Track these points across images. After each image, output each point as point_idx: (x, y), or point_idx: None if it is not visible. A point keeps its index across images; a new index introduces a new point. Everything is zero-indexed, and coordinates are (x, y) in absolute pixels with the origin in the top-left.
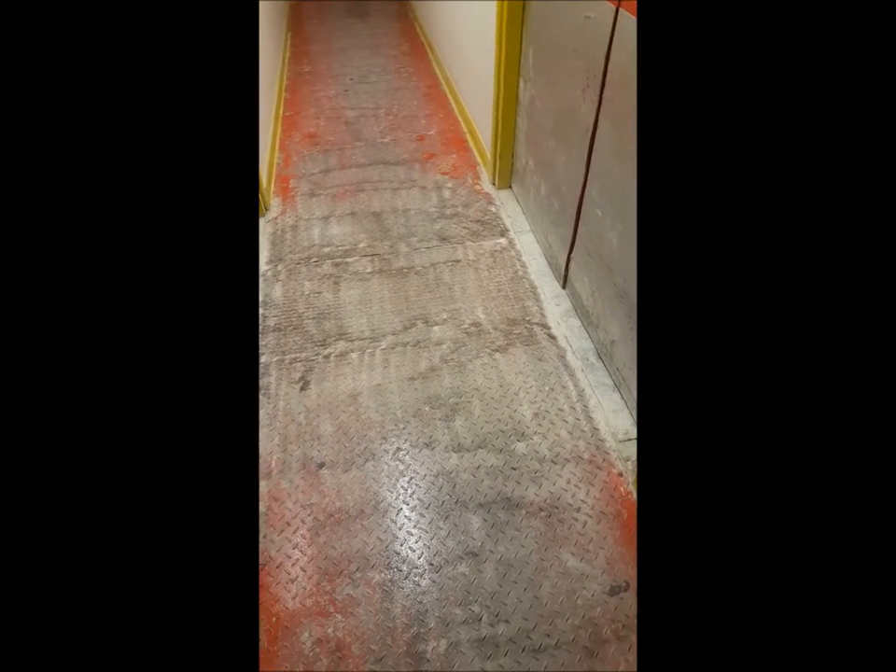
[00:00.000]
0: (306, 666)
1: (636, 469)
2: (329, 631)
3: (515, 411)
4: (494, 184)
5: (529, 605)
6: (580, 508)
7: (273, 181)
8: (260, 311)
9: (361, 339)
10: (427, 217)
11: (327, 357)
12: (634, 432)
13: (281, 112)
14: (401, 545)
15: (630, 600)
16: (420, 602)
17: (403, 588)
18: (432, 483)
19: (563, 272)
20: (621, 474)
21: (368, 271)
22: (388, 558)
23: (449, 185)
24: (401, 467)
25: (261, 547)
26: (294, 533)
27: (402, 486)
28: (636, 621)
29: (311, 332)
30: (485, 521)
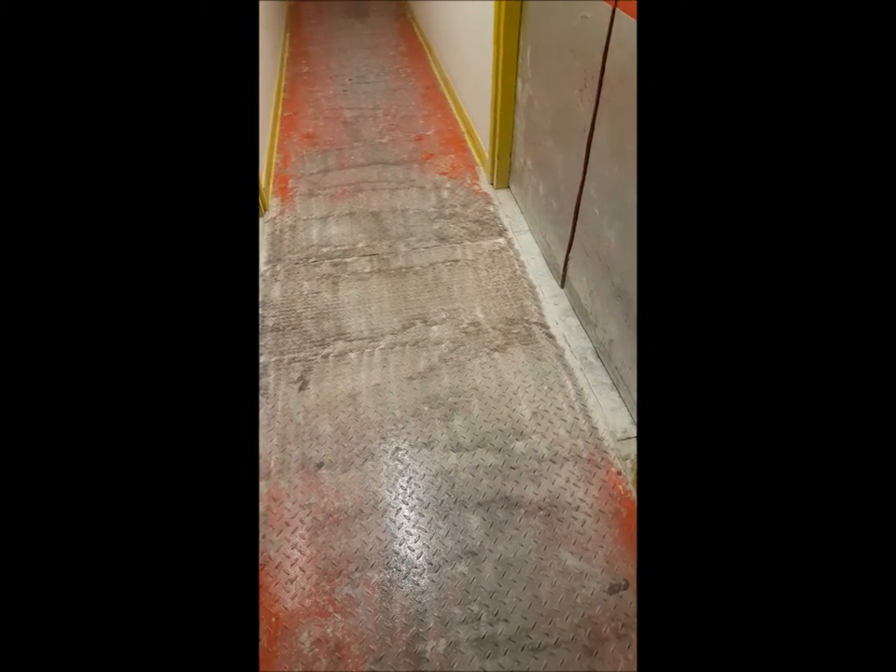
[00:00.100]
0: (305, 667)
1: (634, 468)
2: (329, 631)
3: (514, 410)
4: (492, 184)
5: (528, 604)
6: (578, 506)
7: (271, 181)
8: (259, 311)
9: (360, 339)
10: (426, 217)
11: (325, 356)
12: (632, 431)
13: (280, 112)
14: (400, 545)
15: (629, 598)
16: (419, 602)
17: (402, 588)
18: (431, 483)
19: (561, 271)
20: (619, 473)
21: (366, 271)
22: (387, 558)
23: (447, 185)
24: (400, 466)
25: (260, 547)
26: (293, 533)
27: (401, 486)
28: (635, 619)
29: (309, 332)
30: (484, 520)
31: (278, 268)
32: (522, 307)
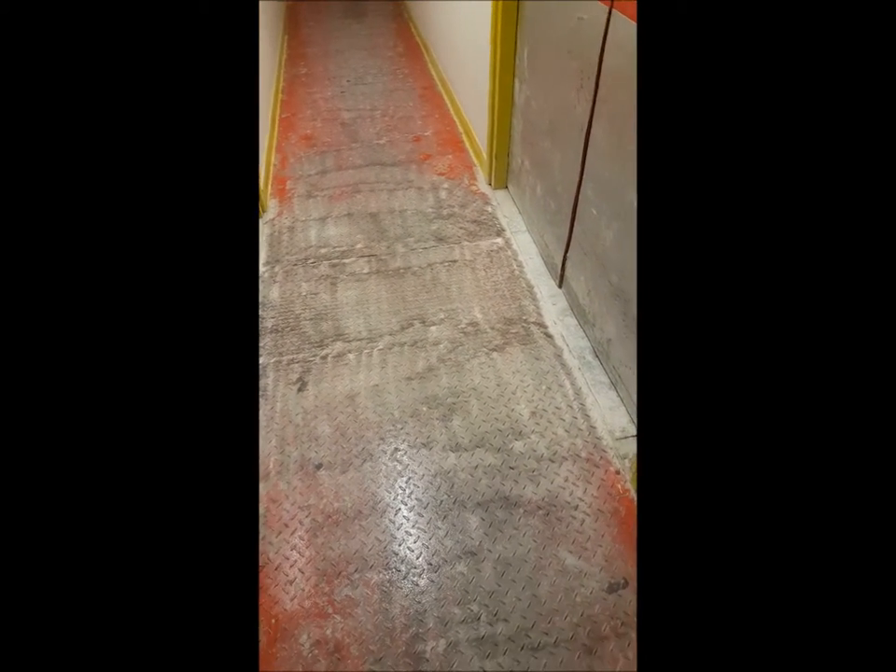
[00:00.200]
0: (305, 668)
1: (633, 467)
2: (328, 632)
3: (513, 410)
4: (490, 184)
5: (528, 603)
6: (577, 506)
7: (270, 183)
8: (258, 312)
9: (358, 339)
10: (424, 218)
11: (324, 357)
12: (631, 430)
13: (278, 114)
14: (400, 545)
15: (628, 597)
16: (419, 602)
17: (402, 588)
18: (430, 483)
19: (559, 271)
20: (618, 472)
21: (365, 271)
22: (387, 559)
23: (445, 185)
24: (399, 467)
25: (259, 549)
26: (292, 535)
27: (400, 487)
28: (634, 618)
29: (308, 333)
30: (483, 520)
31: (277, 269)
32: (520, 307)
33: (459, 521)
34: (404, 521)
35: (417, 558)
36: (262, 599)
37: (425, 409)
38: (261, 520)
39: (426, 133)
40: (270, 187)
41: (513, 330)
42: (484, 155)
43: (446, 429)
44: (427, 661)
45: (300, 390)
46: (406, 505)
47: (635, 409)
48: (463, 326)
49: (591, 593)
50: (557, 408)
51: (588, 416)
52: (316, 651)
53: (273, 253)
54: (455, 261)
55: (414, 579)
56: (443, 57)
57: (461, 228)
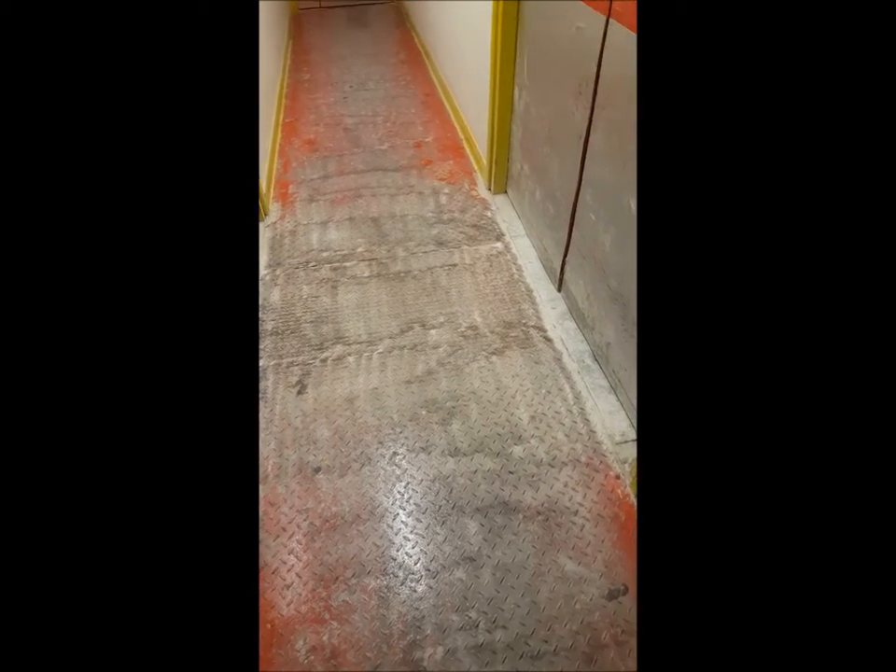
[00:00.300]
0: None
1: (633, 472)
2: (325, 638)
3: (512, 414)
4: (490, 189)
5: (527, 610)
6: (577, 511)
7: (272, 186)
8: (259, 315)
9: (358, 342)
10: (425, 222)
11: (324, 360)
12: (630, 434)
13: (281, 118)
14: (398, 551)
15: (628, 604)
16: (416, 608)
17: (399, 594)
18: (429, 488)
19: (558, 275)
20: (618, 477)
21: (365, 275)
22: (384, 564)
23: (446, 190)
24: (398, 471)
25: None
26: (290, 538)
27: (399, 491)
28: (634, 626)
29: (308, 336)
30: (482, 525)
31: (278, 272)
32: (519, 311)
33: (458, 526)
34: (402, 526)
35: (415, 564)
36: (259, 603)
37: (424, 413)
38: (259, 523)
39: (427, 139)
40: (272, 190)
41: (513, 334)
42: (484, 160)
43: (445, 433)
44: (425, 668)
45: (299, 393)
46: (404, 510)
47: (634, 413)
48: (463, 329)
49: (591, 599)
50: (557, 412)
51: (588, 421)
52: (313, 658)
53: (275, 256)
54: (454, 265)
55: (412, 584)
56: (445, 64)
57: (461, 232)
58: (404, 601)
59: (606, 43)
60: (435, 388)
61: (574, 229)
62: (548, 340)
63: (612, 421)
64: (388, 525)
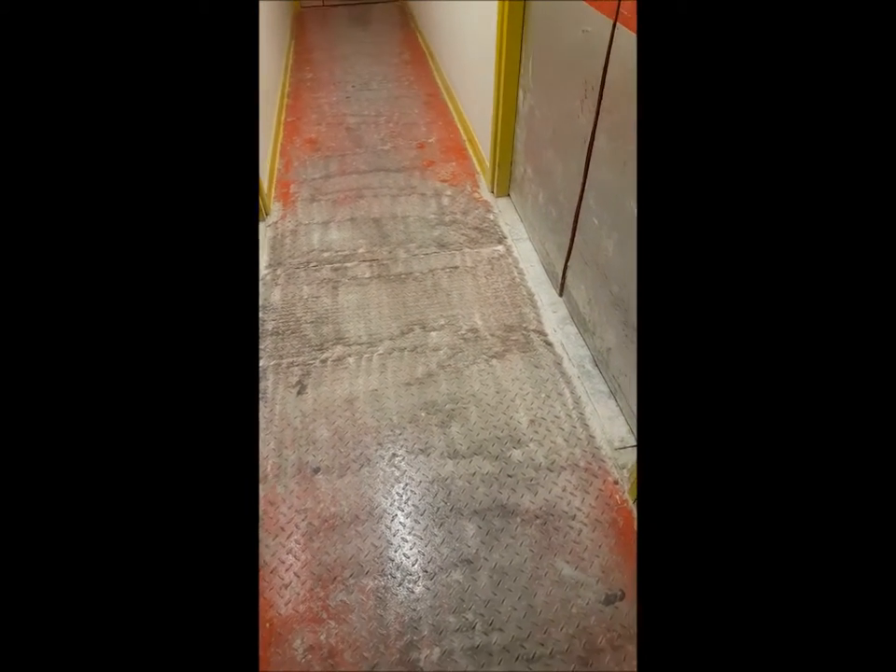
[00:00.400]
0: None
1: (631, 477)
2: (322, 638)
3: (511, 417)
4: (492, 192)
5: (523, 613)
6: (575, 516)
7: (273, 186)
8: (259, 315)
9: (359, 344)
10: (426, 224)
11: (324, 361)
12: (630, 440)
13: (283, 118)
14: (396, 552)
15: (625, 609)
16: (414, 609)
17: (397, 595)
18: (427, 490)
19: (560, 279)
20: (616, 482)
21: (366, 276)
22: (382, 565)
23: (448, 192)
24: (397, 473)
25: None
26: (288, 538)
27: (397, 492)
28: (631, 631)
29: (308, 336)
30: (480, 528)
31: (279, 272)
32: (520, 314)
33: (456, 528)
34: (400, 527)
35: (413, 565)
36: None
37: (423, 415)
38: (258, 523)
39: (429, 140)
40: (274, 190)
41: (513, 338)
42: (487, 163)
43: (444, 436)
44: (421, 669)
45: (299, 393)
46: (403, 511)
47: (634, 419)
48: (463, 332)
49: (587, 604)
50: (556, 416)
51: (587, 425)
52: (310, 657)
53: (276, 256)
54: (456, 268)
55: (410, 586)
56: (449, 65)
57: (463, 234)
58: (401, 602)
59: (612, 47)
60: (435, 391)
61: (577, 233)
62: (548, 344)
63: (612, 426)
64: (387, 526)
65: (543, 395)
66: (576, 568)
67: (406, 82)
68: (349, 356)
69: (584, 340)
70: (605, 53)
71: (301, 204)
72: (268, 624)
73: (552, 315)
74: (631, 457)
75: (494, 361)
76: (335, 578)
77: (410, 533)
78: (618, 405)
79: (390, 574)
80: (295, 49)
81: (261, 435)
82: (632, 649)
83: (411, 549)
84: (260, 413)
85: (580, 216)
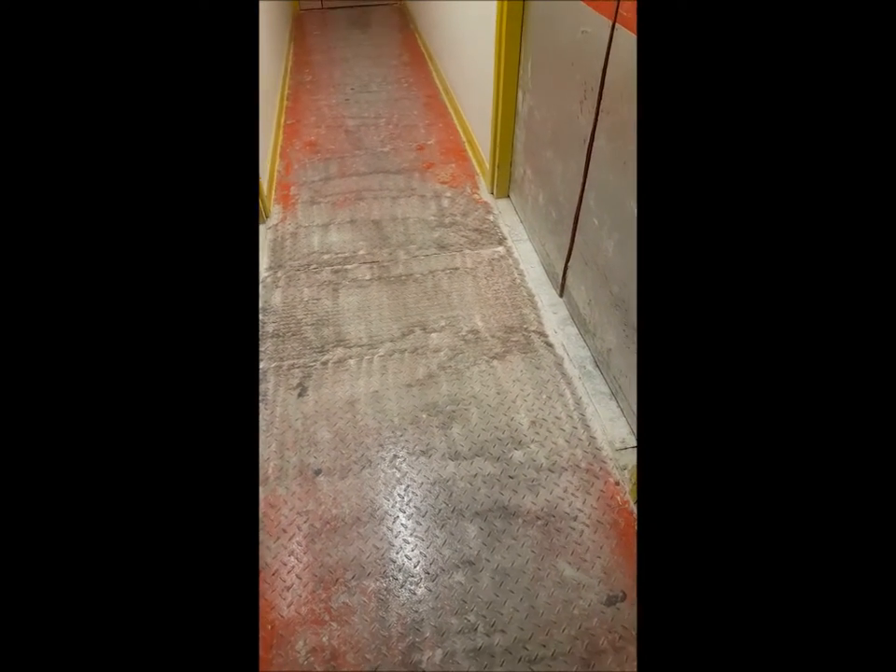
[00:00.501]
0: None
1: (632, 478)
2: (324, 639)
3: (512, 419)
4: (492, 193)
5: (525, 615)
6: (576, 517)
7: (273, 188)
8: (259, 317)
9: (359, 345)
10: (426, 226)
11: (325, 363)
12: (630, 441)
13: (282, 120)
14: (397, 553)
15: (627, 610)
16: (416, 611)
17: (399, 597)
18: (429, 492)
19: (560, 280)
20: (617, 483)
21: (367, 278)
22: (384, 566)
23: (448, 194)
24: (398, 474)
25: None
26: (290, 540)
27: (399, 494)
28: (632, 632)
29: (309, 339)
30: (482, 529)
31: (279, 274)
32: (521, 315)
33: (458, 530)
34: (402, 529)
35: (415, 567)
36: (259, 604)
37: (424, 416)
38: (260, 525)
39: (429, 142)
40: (274, 192)
41: (514, 339)
42: (487, 164)
43: (445, 437)
44: (424, 671)
45: (300, 395)
46: (404, 513)
47: (635, 420)
48: (464, 333)
49: (589, 605)
50: (557, 417)
51: (588, 426)
52: (312, 659)
53: (276, 258)
54: (456, 269)
55: (412, 587)
56: (448, 67)
57: (463, 236)
58: (403, 604)
59: (612, 47)
60: (436, 392)
61: (577, 234)
62: (549, 345)
63: (613, 427)
64: (388, 528)
65: (544, 396)
66: (577, 570)
67: (405, 84)
68: (350, 357)
69: (585, 341)
70: (604, 54)
71: (301, 207)
72: (270, 626)
73: (552, 315)
74: (632, 458)
75: (494, 362)
76: (337, 580)
77: (411, 534)
78: (619, 406)
79: (392, 576)
80: (294, 51)
81: (262, 437)
82: (634, 650)
83: (412, 550)
84: (261, 416)
85: (580, 216)
